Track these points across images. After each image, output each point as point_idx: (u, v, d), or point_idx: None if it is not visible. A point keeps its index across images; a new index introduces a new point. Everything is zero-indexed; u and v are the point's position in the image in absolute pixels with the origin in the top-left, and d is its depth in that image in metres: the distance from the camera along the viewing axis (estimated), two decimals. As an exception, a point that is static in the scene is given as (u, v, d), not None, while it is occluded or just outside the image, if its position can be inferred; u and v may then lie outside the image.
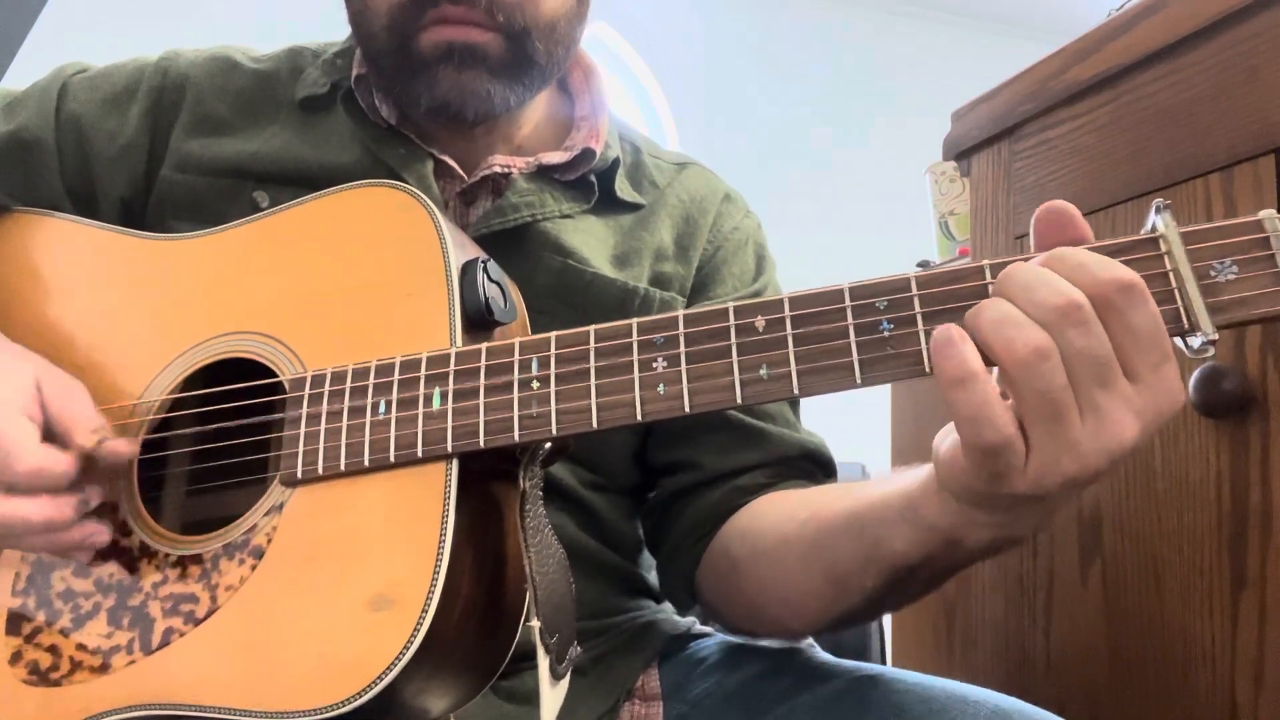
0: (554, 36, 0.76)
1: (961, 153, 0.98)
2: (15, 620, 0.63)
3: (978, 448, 0.47)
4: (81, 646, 0.61)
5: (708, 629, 0.86)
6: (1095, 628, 0.80)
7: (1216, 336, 0.46)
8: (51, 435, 0.63)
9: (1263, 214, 0.47)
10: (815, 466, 0.79)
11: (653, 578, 0.86)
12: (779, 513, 0.71)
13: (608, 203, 0.82)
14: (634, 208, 0.83)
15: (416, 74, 0.73)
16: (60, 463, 0.61)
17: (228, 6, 3.21)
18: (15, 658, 0.62)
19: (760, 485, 0.76)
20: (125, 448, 0.63)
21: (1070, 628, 0.83)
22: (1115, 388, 0.46)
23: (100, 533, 0.63)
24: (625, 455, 0.80)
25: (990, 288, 0.48)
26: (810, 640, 0.82)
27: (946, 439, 0.50)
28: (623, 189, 0.83)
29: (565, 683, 0.58)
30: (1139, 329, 0.46)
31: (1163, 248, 0.48)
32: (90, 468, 0.63)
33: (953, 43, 4.22)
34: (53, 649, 0.62)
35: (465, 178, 0.78)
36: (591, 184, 0.81)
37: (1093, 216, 0.82)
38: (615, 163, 0.82)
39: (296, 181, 0.74)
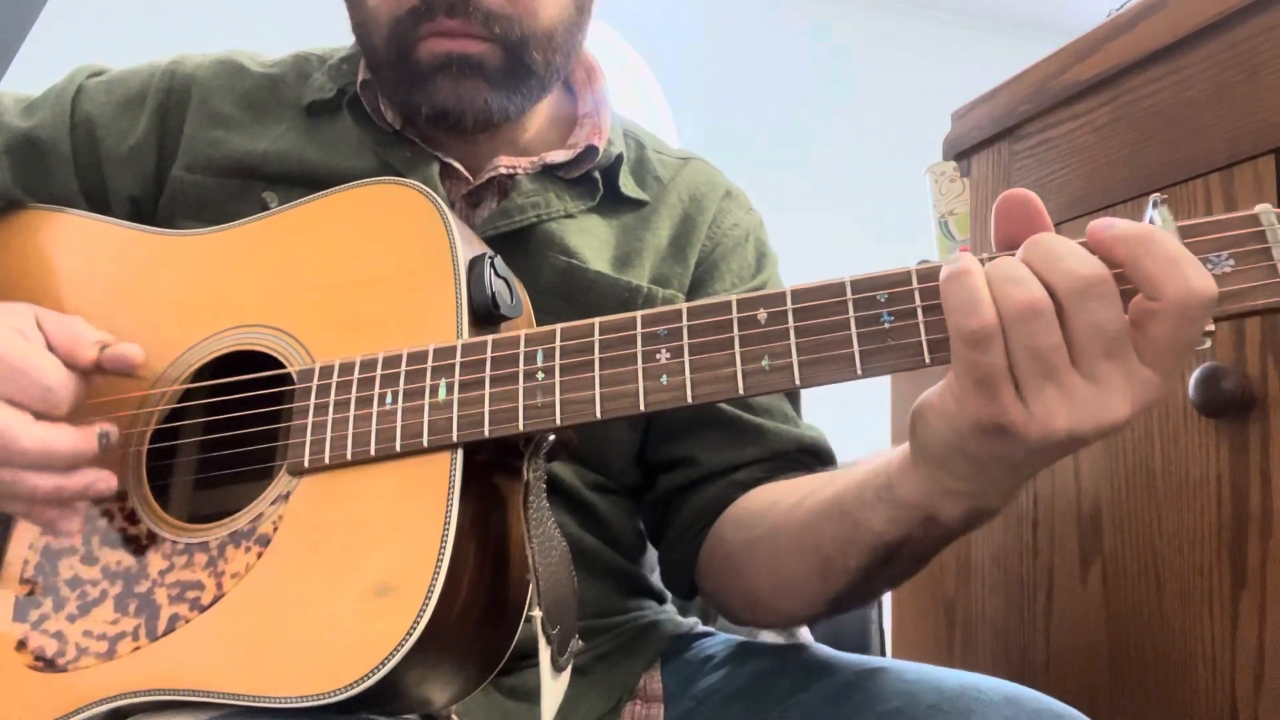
0: (552, 45, 0.76)
1: (961, 153, 0.99)
2: (23, 606, 0.64)
3: (962, 339, 0.47)
4: (88, 633, 0.61)
5: (710, 629, 0.86)
6: (1095, 628, 0.80)
7: (1213, 328, 0.47)
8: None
9: (1259, 208, 0.48)
10: (813, 459, 0.80)
11: (655, 578, 0.86)
12: (769, 501, 0.72)
13: (612, 199, 0.83)
14: (638, 204, 0.84)
15: (416, 84, 0.74)
16: (63, 439, 0.60)
17: (227, 7, 3.21)
18: (22, 644, 0.63)
19: (756, 479, 0.76)
20: (132, 353, 0.63)
21: (1070, 628, 0.83)
22: (1124, 361, 0.47)
23: (106, 480, 0.62)
24: (627, 455, 0.81)
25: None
26: (810, 639, 0.82)
27: (929, 392, 0.51)
28: (627, 185, 0.83)
29: (567, 675, 0.58)
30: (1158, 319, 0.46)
31: None
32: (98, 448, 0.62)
33: (953, 43, 4.21)
34: (59, 635, 0.62)
35: (471, 179, 0.79)
36: (595, 181, 0.81)
37: (1092, 216, 0.82)
38: (619, 159, 0.83)
39: (304, 183, 0.75)
